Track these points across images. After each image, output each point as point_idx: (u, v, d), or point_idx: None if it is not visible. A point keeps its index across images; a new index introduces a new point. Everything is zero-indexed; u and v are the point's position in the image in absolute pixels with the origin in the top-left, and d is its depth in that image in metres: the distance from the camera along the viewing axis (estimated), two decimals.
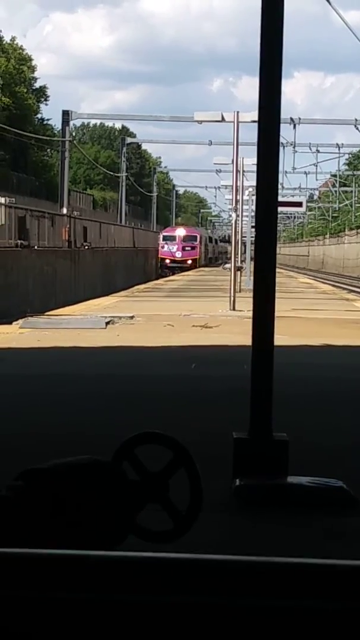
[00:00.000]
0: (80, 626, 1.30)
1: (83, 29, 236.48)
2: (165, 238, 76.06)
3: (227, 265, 40.11)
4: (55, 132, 76.18)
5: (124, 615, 1.29)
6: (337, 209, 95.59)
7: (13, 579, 1.32)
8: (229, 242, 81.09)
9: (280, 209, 36.66)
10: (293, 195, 66.20)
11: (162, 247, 74.90)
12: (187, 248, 74.62)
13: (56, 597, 1.31)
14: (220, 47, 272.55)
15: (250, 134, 39.99)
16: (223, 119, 26.89)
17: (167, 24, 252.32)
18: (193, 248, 75.39)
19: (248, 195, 39.96)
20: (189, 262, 74.01)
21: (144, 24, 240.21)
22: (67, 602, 1.30)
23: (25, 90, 76.58)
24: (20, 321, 20.64)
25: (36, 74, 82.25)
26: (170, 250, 74.48)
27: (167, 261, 73.80)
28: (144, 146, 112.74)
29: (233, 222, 28.80)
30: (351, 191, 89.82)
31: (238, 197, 29.46)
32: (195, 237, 77.34)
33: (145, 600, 1.30)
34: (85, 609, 1.29)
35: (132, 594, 1.30)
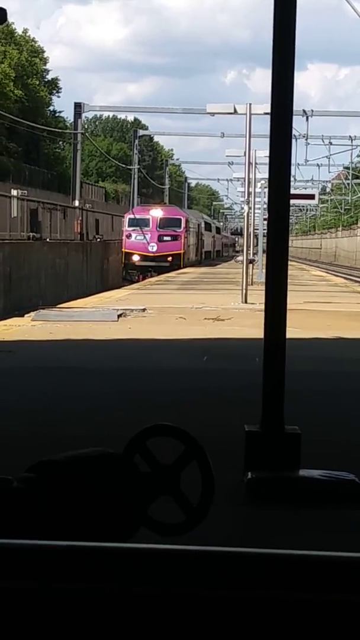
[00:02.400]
0: (82, 618, 1.30)
1: (97, 21, 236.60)
2: (132, 223, 52.82)
3: (240, 258, 40.03)
4: (68, 124, 76.22)
5: (127, 606, 1.30)
6: (349, 201, 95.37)
7: (20, 570, 1.32)
8: (240, 234, 79.34)
9: (292, 201, 36.63)
10: (305, 188, 66.08)
11: (128, 237, 52.48)
12: (165, 238, 52.05)
13: (63, 589, 1.31)
14: (234, 39, 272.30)
15: (263, 126, 39.89)
16: (235, 111, 26.86)
17: (181, 16, 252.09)
18: (175, 238, 52.32)
19: (260, 187, 39.92)
20: (169, 258, 51.78)
21: (158, 16, 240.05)
22: (74, 594, 1.30)
23: (37, 83, 76.62)
24: (32, 314, 20.66)
25: (49, 66, 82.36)
26: (140, 241, 51.84)
27: (136, 258, 51.62)
28: (156, 138, 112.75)
29: (245, 214, 28.77)
30: None
31: (250, 190, 29.42)
32: (178, 221, 53.42)
33: (147, 592, 1.30)
34: (90, 600, 1.29)
35: (135, 585, 1.30)
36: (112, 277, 52.52)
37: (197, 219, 69.00)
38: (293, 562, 1.31)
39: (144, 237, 52.14)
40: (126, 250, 52.42)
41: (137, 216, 53.12)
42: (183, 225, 53.97)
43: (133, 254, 51.97)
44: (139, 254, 51.71)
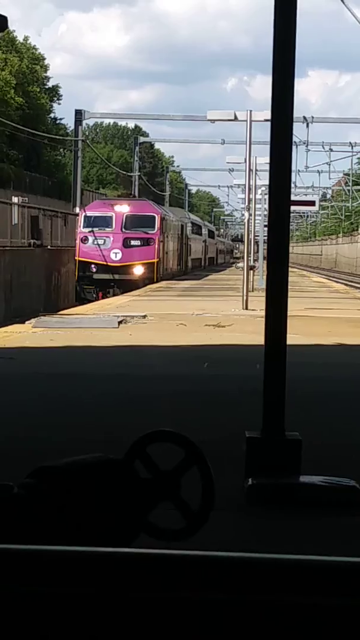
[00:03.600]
0: (81, 623, 1.30)
1: (98, 29, 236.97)
2: (89, 222, 40.75)
3: (240, 265, 40.05)
4: (69, 131, 76.30)
5: (126, 611, 1.30)
6: (350, 208, 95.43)
7: (19, 574, 1.32)
8: (241, 240, 78.52)
9: (293, 207, 36.69)
10: (306, 194, 66.18)
11: (83, 241, 40.46)
12: (133, 242, 40.36)
13: (63, 594, 1.31)
14: (235, 46, 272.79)
15: (264, 132, 39.97)
16: (236, 118, 26.89)
17: (181, 23, 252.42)
18: (146, 242, 40.63)
19: (261, 194, 39.95)
20: (137, 270, 39.93)
21: (159, 23, 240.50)
22: (74, 599, 1.31)
23: (38, 90, 76.70)
24: (33, 320, 20.68)
25: (50, 74, 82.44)
26: (99, 246, 40.04)
27: (93, 268, 39.93)
28: (157, 145, 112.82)
29: (246, 221, 28.79)
30: None
31: (251, 196, 29.46)
32: (151, 219, 41.09)
33: (146, 596, 1.30)
34: (89, 605, 1.30)
35: (133, 590, 1.30)
36: (65, 296, 42.21)
37: (180, 218, 54.84)
38: (292, 567, 1.31)
39: (105, 241, 39.99)
40: (81, 259, 40.24)
41: (96, 213, 40.84)
42: (157, 224, 41.07)
43: (89, 263, 39.83)
44: (98, 264, 39.75)
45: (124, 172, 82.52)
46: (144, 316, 21.67)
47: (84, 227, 40.76)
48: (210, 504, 2.56)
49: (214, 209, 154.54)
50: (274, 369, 6.49)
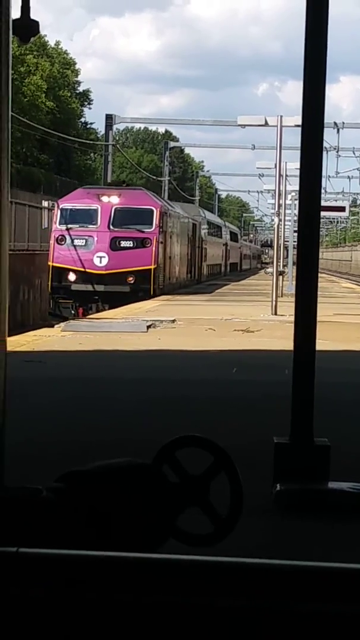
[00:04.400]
0: (105, 626, 1.30)
1: (129, 33, 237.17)
2: (66, 217, 32.08)
3: (269, 270, 39.96)
4: (99, 136, 76.48)
5: (151, 614, 1.30)
6: None
7: (47, 578, 1.32)
8: (270, 246, 77.67)
9: (323, 213, 36.61)
10: (336, 200, 65.92)
11: (59, 242, 31.79)
12: (124, 243, 31.84)
13: (91, 598, 1.31)
14: (266, 51, 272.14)
15: (294, 138, 39.89)
16: (266, 123, 26.89)
17: (213, 28, 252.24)
18: (141, 243, 31.98)
19: (291, 199, 39.89)
20: (130, 279, 31.55)
21: (191, 28, 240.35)
22: (99, 603, 1.31)
23: (69, 94, 76.95)
24: (62, 324, 20.72)
25: (81, 78, 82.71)
26: (80, 248, 31.61)
27: (71, 277, 31.37)
28: (187, 150, 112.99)
29: (275, 226, 28.74)
30: None
31: (281, 202, 29.41)
32: (148, 213, 32.46)
33: (171, 600, 1.30)
34: (114, 609, 1.30)
35: (159, 594, 1.30)
36: (37, 314, 35.49)
37: (192, 216, 45.89)
38: (322, 574, 1.31)
39: (87, 241, 31.65)
40: (55, 265, 31.70)
41: (76, 205, 32.07)
42: (156, 220, 32.39)
43: (66, 270, 31.23)
44: (77, 271, 31.29)
45: (154, 177, 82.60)
46: (173, 320, 21.67)
47: (60, 223, 31.97)
48: (239, 510, 2.55)
49: (244, 214, 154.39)
50: (302, 374, 6.47)
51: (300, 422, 6.45)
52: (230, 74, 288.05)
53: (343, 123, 60.23)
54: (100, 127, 73.15)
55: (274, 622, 1.27)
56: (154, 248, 32.26)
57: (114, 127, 59.81)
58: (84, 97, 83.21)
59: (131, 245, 32.00)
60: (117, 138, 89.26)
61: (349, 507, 6.18)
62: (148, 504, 2.49)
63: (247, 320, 22.28)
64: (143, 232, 32.12)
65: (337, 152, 65.34)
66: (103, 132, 62.08)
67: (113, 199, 32.39)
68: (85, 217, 32.04)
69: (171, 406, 10.22)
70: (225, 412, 9.91)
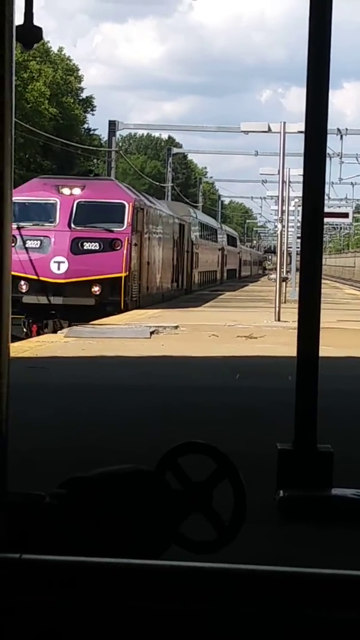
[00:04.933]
0: (109, 634, 1.30)
1: (133, 40, 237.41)
2: (18, 213, 25.40)
3: (272, 276, 39.91)
4: (102, 142, 76.57)
5: (154, 622, 1.29)
6: None
7: (49, 585, 1.32)
8: (273, 252, 77.16)
9: (326, 219, 36.64)
10: (339, 206, 65.97)
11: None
12: (88, 246, 26.86)
13: (92, 604, 1.31)
14: (270, 58, 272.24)
15: (297, 144, 39.94)
16: (269, 130, 26.93)
17: (217, 35, 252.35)
18: (110, 246, 26.92)
19: (294, 206, 39.92)
20: (95, 289, 26.51)
21: (194, 35, 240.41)
22: (108, 610, 1.30)
23: (72, 101, 77.06)
24: (65, 330, 20.72)
25: (84, 84, 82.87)
26: (33, 251, 26.52)
27: (22, 287, 25.81)
28: (190, 156, 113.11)
29: (279, 232, 28.76)
30: None
31: (284, 208, 29.43)
32: (118, 208, 27.46)
33: (175, 608, 1.30)
34: (116, 615, 1.29)
35: (161, 601, 1.30)
36: None
37: (179, 214, 39.96)
38: (326, 580, 1.30)
39: (42, 242, 26.64)
40: None
41: (30, 199, 26.87)
42: (128, 217, 27.19)
43: (17, 279, 25.17)
44: (30, 280, 26.16)
45: (157, 183, 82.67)
46: (176, 327, 21.67)
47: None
48: (242, 516, 2.55)
49: (247, 220, 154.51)
50: (305, 380, 6.47)
51: (303, 429, 6.44)
52: (234, 80, 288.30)
53: (346, 129, 60.27)
54: (103, 133, 73.41)
55: (277, 629, 1.26)
56: (125, 251, 26.87)
57: (117, 133, 59.88)
58: (87, 104, 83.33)
59: (97, 247, 26.80)
60: (120, 144, 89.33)
61: (352, 514, 6.17)
62: (151, 511, 2.49)
63: (251, 327, 22.28)
64: (112, 231, 26.90)
65: (341, 158, 65.43)
66: (106, 138, 62.16)
67: (75, 191, 27.34)
68: (40, 213, 26.95)
69: (174, 412, 10.21)
70: (229, 418, 9.90)
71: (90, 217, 26.91)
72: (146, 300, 30.05)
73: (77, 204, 27.08)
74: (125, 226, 27.12)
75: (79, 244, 26.62)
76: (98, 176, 34.54)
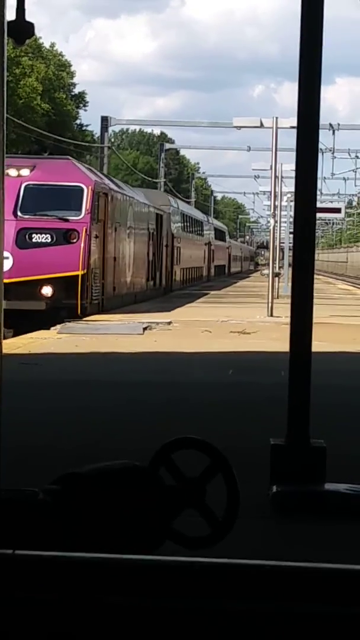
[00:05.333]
0: (101, 630, 1.30)
1: (125, 35, 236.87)
2: None
3: (265, 271, 39.88)
4: (94, 138, 76.51)
5: (147, 617, 1.30)
6: None
7: (43, 581, 1.32)
8: (266, 247, 76.77)
9: (318, 215, 36.64)
10: (332, 201, 65.93)
11: None
12: (37, 238, 22.64)
13: (86, 600, 1.31)
14: (263, 53, 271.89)
15: (290, 139, 39.95)
16: (262, 125, 26.91)
17: (209, 30, 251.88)
18: (65, 239, 22.63)
19: (287, 201, 39.91)
20: (45, 292, 22.42)
21: (187, 30, 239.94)
22: (95, 605, 1.31)
23: (64, 96, 76.95)
24: (58, 326, 20.71)
25: (76, 80, 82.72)
26: None
27: None
28: (183, 152, 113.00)
29: (271, 228, 28.76)
30: None
31: (276, 203, 29.43)
32: (76, 192, 22.98)
33: (170, 604, 1.30)
34: (109, 612, 1.29)
35: (155, 598, 1.30)
36: None
37: (156, 204, 35.60)
38: (321, 575, 1.31)
39: None
40: None
41: None
42: (87, 203, 23.27)
43: None
44: None
45: (150, 179, 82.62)
46: (169, 322, 21.67)
47: None
48: (235, 512, 2.55)
49: (240, 216, 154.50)
50: (298, 375, 6.48)
51: (296, 424, 6.45)
52: (227, 75, 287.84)
53: (339, 124, 60.24)
54: (95, 129, 73.32)
55: (271, 624, 1.27)
56: (83, 244, 22.73)
57: (110, 129, 59.81)
58: (80, 99, 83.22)
59: (49, 240, 22.81)
60: (113, 140, 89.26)
61: (345, 509, 6.18)
62: (144, 507, 2.49)
63: (243, 322, 22.28)
64: (67, 221, 22.86)
65: (333, 153, 65.39)
66: (98, 134, 62.09)
67: (23, 172, 23.07)
68: None
69: (167, 408, 10.22)
70: (222, 413, 9.91)
71: (40, 204, 22.97)
72: (112, 303, 25.93)
73: (25, 187, 22.93)
74: (83, 214, 23.01)
75: (27, 236, 22.72)
76: (52, 156, 28.56)
